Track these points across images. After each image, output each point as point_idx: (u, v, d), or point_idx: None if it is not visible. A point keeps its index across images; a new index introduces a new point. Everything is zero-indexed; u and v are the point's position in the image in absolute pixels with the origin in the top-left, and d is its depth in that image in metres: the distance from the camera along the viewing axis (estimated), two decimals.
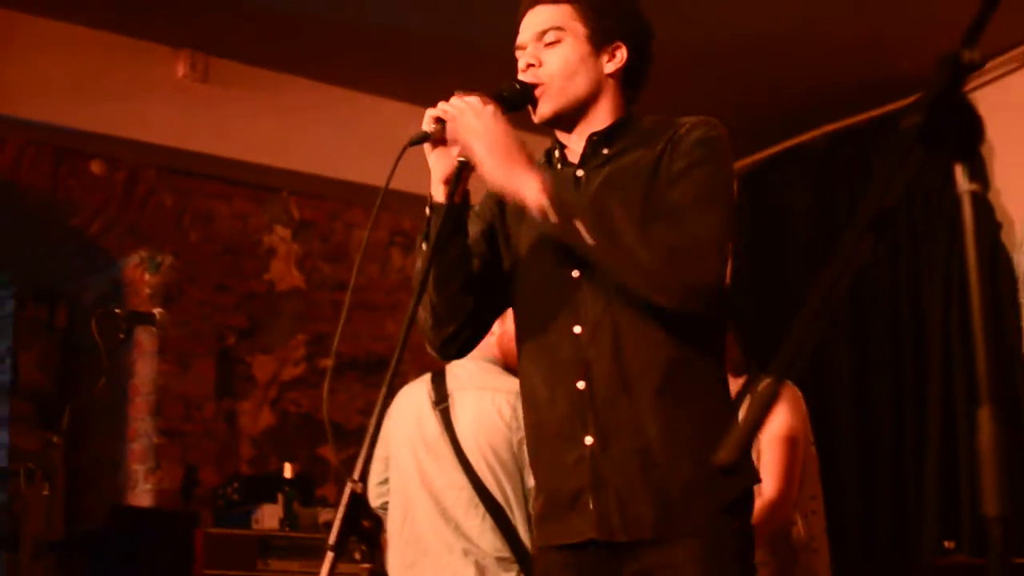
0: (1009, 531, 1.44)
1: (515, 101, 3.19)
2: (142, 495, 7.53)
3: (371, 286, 8.10)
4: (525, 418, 3.30)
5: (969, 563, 6.08)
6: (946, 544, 6.04)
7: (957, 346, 7.17)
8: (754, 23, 6.94)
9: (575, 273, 3.12)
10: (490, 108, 3.07)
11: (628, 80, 3.27)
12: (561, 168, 3.27)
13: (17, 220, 7.82)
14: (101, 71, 7.17)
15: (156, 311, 4.86)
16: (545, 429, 3.18)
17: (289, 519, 6.80)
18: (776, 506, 4.74)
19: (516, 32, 3.32)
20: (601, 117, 3.23)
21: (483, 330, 3.35)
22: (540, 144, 3.34)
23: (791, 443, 4.82)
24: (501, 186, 3.03)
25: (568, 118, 3.24)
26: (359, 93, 7.85)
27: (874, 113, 7.92)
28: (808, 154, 8.38)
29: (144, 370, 7.64)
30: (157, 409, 7.55)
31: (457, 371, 5.00)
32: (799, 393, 5.01)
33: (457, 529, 4.87)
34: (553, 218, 2.95)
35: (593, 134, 3.22)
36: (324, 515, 6.97)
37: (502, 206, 3.32)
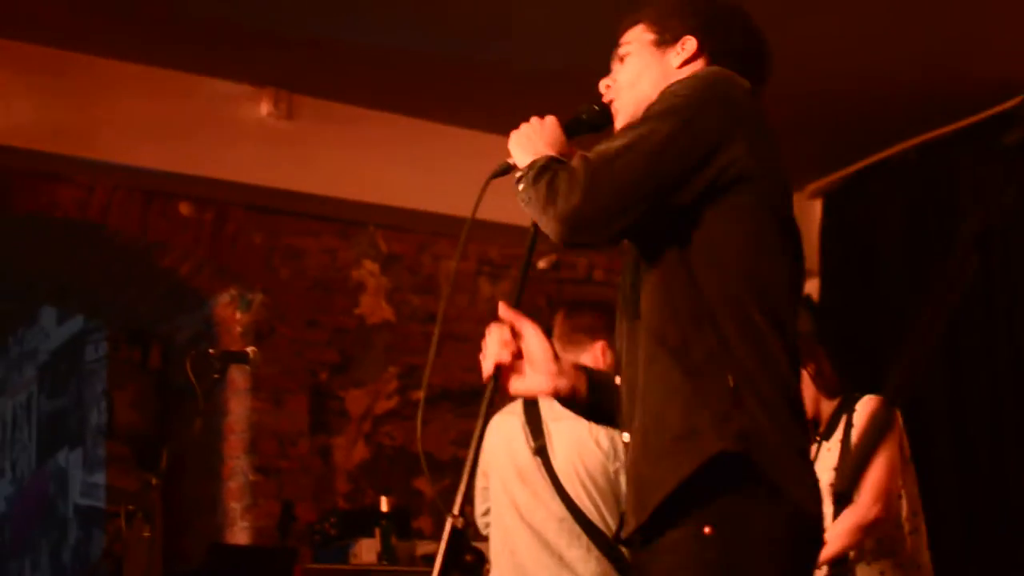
0: None
1: (595, 122, 3.25)
2: (240, 533, 7.56)
3: (460, 317, 8.09)
4: None
5: None
6: None
7: None
8: (839, 34, 6.89)
9: (628, 278, 3.12)
10: (548, 119, 3.18)
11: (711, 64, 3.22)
12: None
13: (109, 263, 7.90)
14: (186, 113, 7.22)
15: (249, 349, 4.88)
16: None
17: (387, 552, 6.80)
18: (872, 524, 4.70)
19: (593, 59, 3.38)
20: None
21: None
22: None
23: (887, 459, 4.77)
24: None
25: None
26: (442, 125, 7.86)
27: (962, 123, 7.83)
28: (895, 167, 8.30)
29: (238, 408, 7.67)
30: (252, 446, 7.58)
31: (551, 400, 4.99)
32: (897, 413, 4.94)
33: (560, 560, 4.86)
34: (516, 182, 3.03)
35: None
36: (421, 547, 6.97)
37: None
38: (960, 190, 7.81)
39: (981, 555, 7.36)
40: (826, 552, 4.61)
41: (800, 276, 3.13)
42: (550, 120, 3.18)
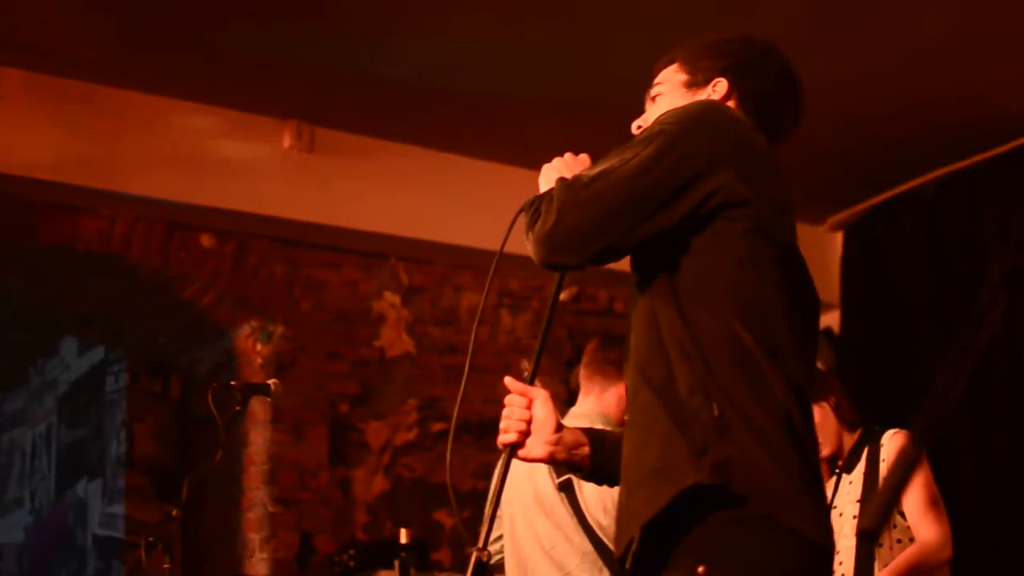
0: None
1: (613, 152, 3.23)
2: (259, 564, 7.56)
3: (481, 348, 8.09)
4: None
5: None
6: None
7: None
8: (860, 68, 6.89)
9: (630, 305, 3.13)
10: (582, 156, 3.19)
11: (741, 108, 3.23)
12: None
13: (130, 295, 7.91)
14: (208, 145, 7.24)
15: (271, 382, 4.88)
16: None
17: None
18: (938, 545, 4.69)
19: (619, 91, 3.38)
20: None
21: None
22: None
23: (926, 483, 4.76)
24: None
25: None
26: (464, 157, 7.87)
27: (984, 156, 7.83)
28: (917, 200, 8.29)
29: (258, 439, 7.68)
30: (272, 478, 7.58)
31: (578, 420, 5.01)
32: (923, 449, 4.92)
33: None
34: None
35: None
36: None
37: None
38: (982, 223, 7.80)
39: None
40: None
41: (804, 302, 3.07)
42: (583, 157, 3.18)
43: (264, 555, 7.55)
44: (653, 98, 3.29)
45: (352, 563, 7.08)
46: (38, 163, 6.81)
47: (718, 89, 3.22)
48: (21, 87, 6.82)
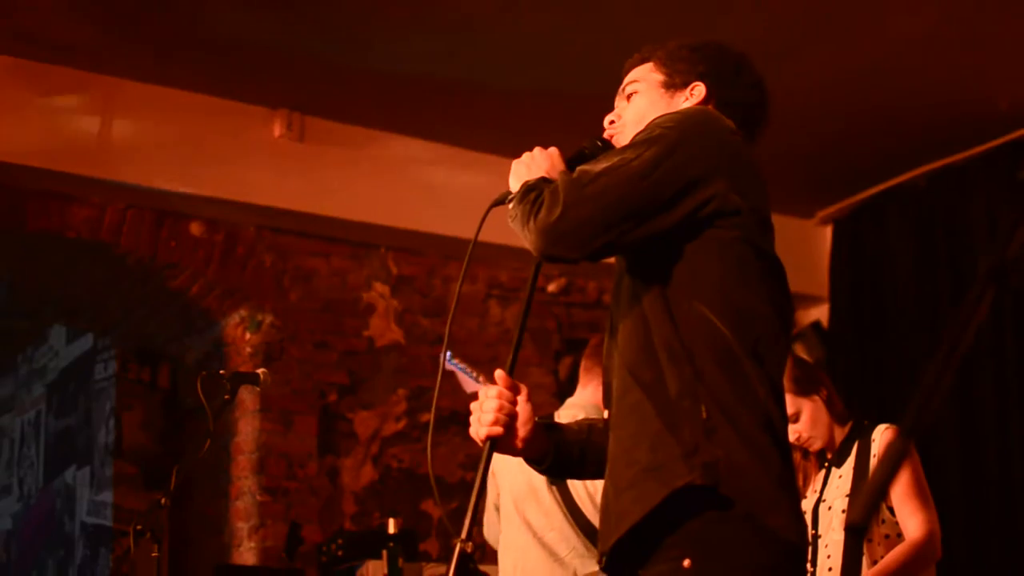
0: None
1: (596, 155, 3.23)
2: (246, 553, 7.56)
3: (470, 339, 8.10)
4: None
5: None
6: None
7: None
8: (850, 63, 6.91)
9: (615, 305, 3.17)
10: (551, 149, 3.20)
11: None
12: None
13: (119, 283, 7.91)
14: (198, 134, 7.24)
15: (260, 371, 4.88)
16: None
17: (394, 575, 6.79)
18: (926, 542, 4.69)
19: (605, 83, 3.40)
20: None
21: None
22: None
23: (916, 480, 4.77)
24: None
25: None
26: (454, 148, 7.88)
27: (972, 152, 7.84)
28: (906, 194, 8.31)
29: (246, 428, 7.68)
30: (260, 467, 7.58)
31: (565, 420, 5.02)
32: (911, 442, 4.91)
33: None
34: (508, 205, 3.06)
35: None
36: (428, 570, 6.96)
37: None
38: (970, 218, 7.82)
39: None
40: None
41: (785, 311, 3.12)
42: (552, 151, 3.19)
43: (252, 544, 7.55)
44: (628, 96, 3.33)
45: (340, 553, 7.07)
46: (28, 150, 6.81)
47: (696, 93, 3.27)
48: (11, 74, 6.81)
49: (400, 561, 6.83)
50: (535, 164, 3.14)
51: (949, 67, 6.99)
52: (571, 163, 3.19)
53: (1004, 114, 7.30)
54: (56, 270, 7.93)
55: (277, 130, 7.42)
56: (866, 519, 1.41)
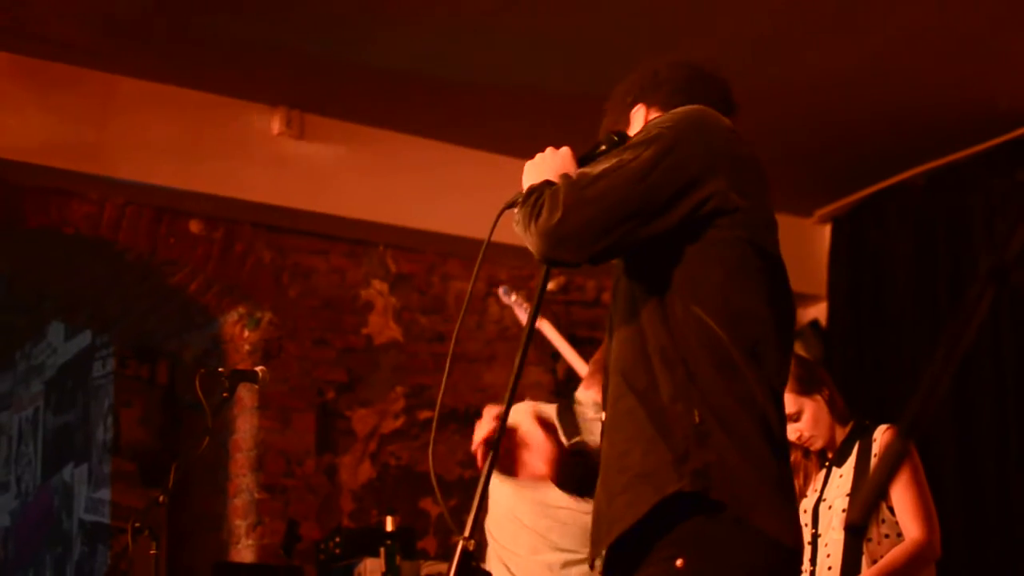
0: None
1: (611, 152, 3.22)
2: (244, 551, 7.56)
3: (469, 337, 8.11)
4: None
5: None
6: None
7: None
8: (849, 62, 6.91)
9: (612, 309, 3.17)
10: (563, 149, 3.18)
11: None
12: None
13: (118, 280, 7.91)
14: (198, 131, 7.24)
15: (259, 369, 4.88)
16: None
17: (391, 572, 6.78)
18: (925, 544, 4.69)
19: (605, 81, 3.40)
20: None
21: None
22: None
23: (916, 480, 4.77)
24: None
25: None
26: (453, 146, 7.87)
27: (971, 151, 7.84)
28: (905, 193, 8.31)
29: (245, 426, 7.68)
30: (258, 464, 7.58)
31: (584, 408, 5.03)
32: (910, 443, 4.88)
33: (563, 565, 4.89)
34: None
35: None
36: (426, 568, 6.95)
37: None
38: (969, 217, 7.82)
39: None
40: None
41: (786, 312, 3.11)
42: (564, 150, 3.18)
43: (250, 541, 7.55)
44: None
45: (338, 550, 7.07)
46: (27, 147, 6.81)
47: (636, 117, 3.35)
48: (11, 70, 6.81)
49: (398, 559, 6.82)
50: (545, 165, 3.13)
51: (948, 66, 7.00)
52: (585, 160, 3.18)
53: (1003, 113, 7.30)
54: (54, 266, 7.92)
55: (276, 127, 7.42)
56: (865, 519, 1.42)
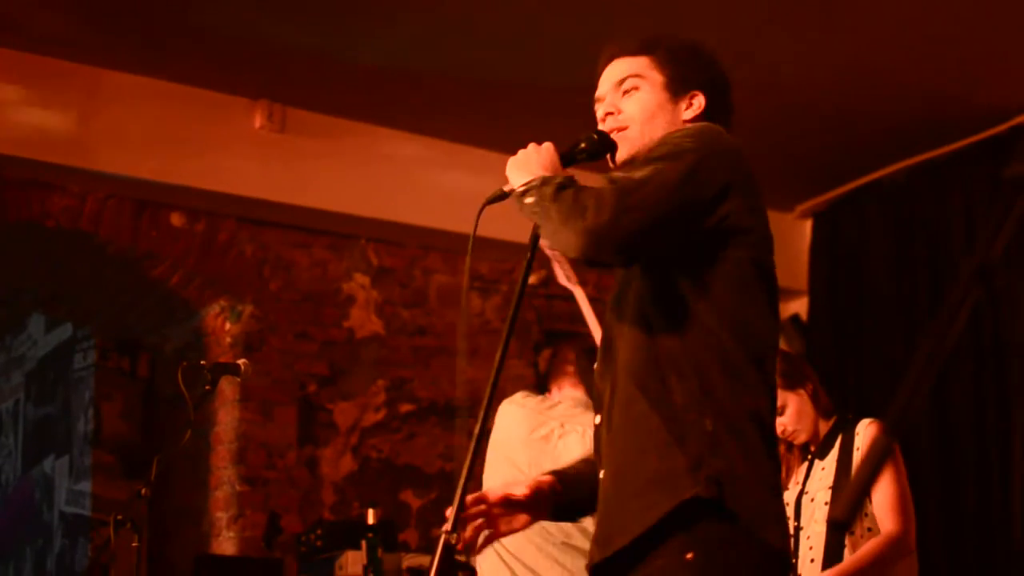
0: None
1: (593, 150, 3.23)
2: (226, 543, 7.56)
3: (449, 331, 8.12)
4: None
5: None
6: None
7: None
8: (828, 59, 6.93)
9: (609, 315, 3.20)
10: (545, 144, 3.20)
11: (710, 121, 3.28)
12: None
13: (99, 272, 7.90)
14: (180, 124, 7.23)
15: (241, 362, 4.88)
16: None
17: (373, 565, 6.79)
18: (899, 537, 4.72)
19: (593, 79, 3.37)
20: None
21: None
22: None
23: (896, 475, 4.79)
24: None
25: None
26: (435, 140, 7.88)
27: (952, 147, 7.87)
28: (885, 189, 8.34)
29: (226, 419, 7.68)
30: (240, 457, 7.59)
31: (562, 405, 5.04)
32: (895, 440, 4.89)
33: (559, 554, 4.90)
34: (517, 197, 3.07)
35: None
36: (407, 560, 6.96)
37: None
38: (948, 213, 7.85)
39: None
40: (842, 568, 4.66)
41: (778, 323, 3.23)
42: (547, 146, 3.19)
43: (231, 534, 7.55)
44: (626, 90, 3.29)
45: (319, 543, 7.08)
46: (8, 139, 6.79)
47: (695, 103, 3.28)
48: None
49: (379, 551, 6.83)
50: (531, 161, 3.14)
51: (929, 63, 7.02)
52: (566, 157, 3.19)
53: (982, 111, 7.33)
54: (36, 259, 7.91)
55: (258, 121, 7.42)
56: (850, 515, 1.43)
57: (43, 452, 9.63)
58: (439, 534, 2.81)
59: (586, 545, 4.81)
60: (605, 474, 3.10)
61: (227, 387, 7.54)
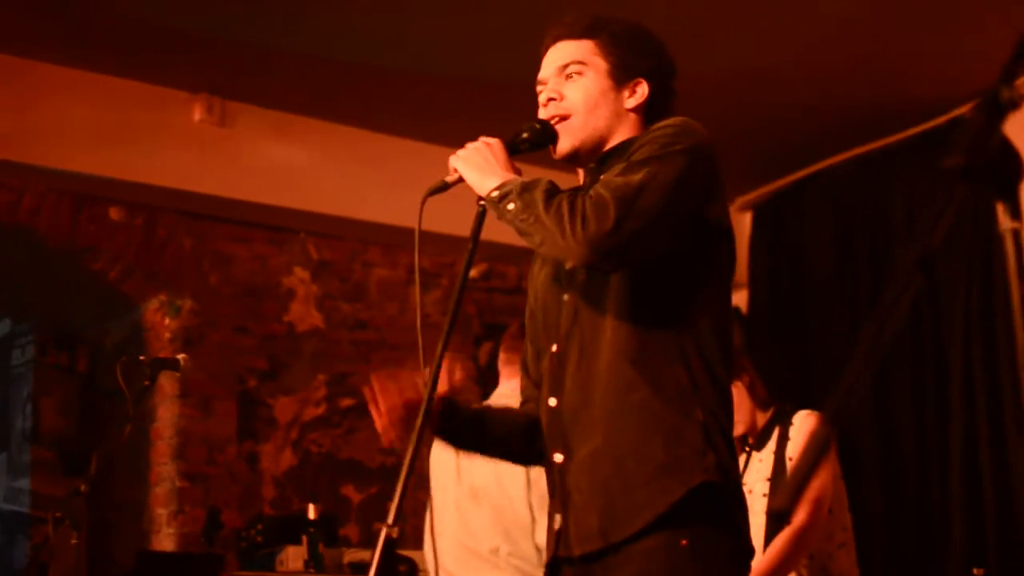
0: None
1: (535, 139, 3.21)
2: (166, 539, 7.54)
3: (391, 325, 8.12)
4: None
5: None
6: (975, 572, 5.99)
7: (979, 374, 7.12)
8: (770, 51, 6.95)
9: (565, 297, 3.20)
10: (492, 140, 3.18)
11: (649, 116, 3.26)
12: None
13: (37, 267, 7.85)
14: (118, 117, 7.19)
15: (180, 357, 4.86)
16: (544, 455, 3.24)
17: (314, 560, 6.78)
18: (804, 531, 4.73)
19: (531, 73, 3.35)
20: None
21: None
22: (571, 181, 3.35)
23: (823, 470, 4.81)
24: (476, 188, 3.10)
25: (587, 154, 3.25)
26: (374, 133, 7.86)
27: (893, 139, 7.89)
28: (826, 181, 8.36)
29: (166, 414, 7.65)
30: (179, 452, 7.56)
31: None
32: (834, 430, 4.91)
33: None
34: (492, 202, 3.05)
35: (591, 162, 3.25)
36: (349, 555, 6.96)
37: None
38: (889, 205, 7.88)
39: (907, 569, 7.43)
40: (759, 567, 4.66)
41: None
42: (497, 143, 3.17)
43: (171, 530, 7.52)
44: (569, 75, 3.26)
45: (260, 538, 7.06)
46: None
47: (639, 91, 3.26)
48: None
49: (320, 546, 6.83)
50: (491, 158, 3.13)
51: (868, 55, 7.05)
52: (509, 148, 3.17)
53: (922, 102, 7.37)
54: None
55: (197, 114, 7.38)
56: (790, 505, 1.44)
57: None
58: (380, 528, 2.80)
59: None
60: (579, 458, 3.09)
61: (166, 382, 7.50)
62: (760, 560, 4.67)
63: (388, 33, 6.78)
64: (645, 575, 2.95)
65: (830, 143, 8.12)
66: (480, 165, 3.11)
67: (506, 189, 3.02)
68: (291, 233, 8.04)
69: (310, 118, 7.71)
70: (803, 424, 4.87)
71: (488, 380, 5.62)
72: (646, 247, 2.99)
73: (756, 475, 4.89)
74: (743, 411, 4.97)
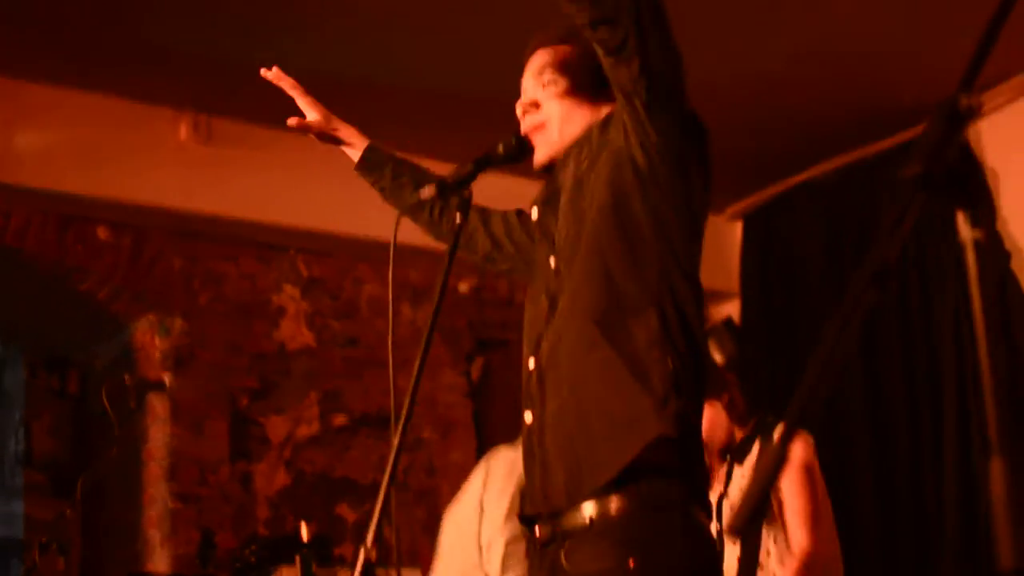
0: None
1: (512, 154, 3.21)
2: (159, 561, 7.50)
3: (380, 342, 8.08)
4: None
5: None
6: None
7: (971, 374, 7.09)
8: (758, 59, 6.93)
9: (551, 259, 3.20)
10: None
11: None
12: None
13: (26, 289, 7.82)
14: (104, 136, 7.17)
15: (165, 377, 4.85)
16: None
17: None
18: (811, 554, 4.70)
19: (513, 87, 3.35)
20: None
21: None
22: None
23: (808, 487, 4.77)
24: None
25: None
26: None
27: (883, 146, 7.88)
28: (816, 189, 8.35)
29: (157, 435, 7.61)
30: (172, 474, 7.52)
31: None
32: (811, 440, 4.88)
33: None
34: None
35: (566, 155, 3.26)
36: (343, 575, 6.93)
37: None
38: (879, 212, 7.86)
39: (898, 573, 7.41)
40: None
41: None
42: None
43: (165, 552, 7.49)
44: (545, 84, 3.31)
45: (253, 559, 7.03)
46: None
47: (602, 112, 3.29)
48: None
49: (314, 567, 6.79)
50: None
51: (858, 62, 7.04)
52: (483, 163, 3.17)
53: (911, 110, 7.36)
54: None
55: (183, 132, 7.36)
56: (745, 523, 1.42)
57: None
58: (361, 548, 2.78)
59: None
60: (547, 417, 3.09)
61: (157, 403, 7.47)
62: None
63: (376, 49, 6.77)
64: (601, 533, 2.95)
65: (820, 151, 8.11)
66: None
67: None
68: (280, 250, 8.01)
69: (297, 134, 7.65)
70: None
71: (481, 393, 5.59)
72: (657, 42, 3.15)
73: (738, 489, 4.85)
74: (718, 430, 4.93)
